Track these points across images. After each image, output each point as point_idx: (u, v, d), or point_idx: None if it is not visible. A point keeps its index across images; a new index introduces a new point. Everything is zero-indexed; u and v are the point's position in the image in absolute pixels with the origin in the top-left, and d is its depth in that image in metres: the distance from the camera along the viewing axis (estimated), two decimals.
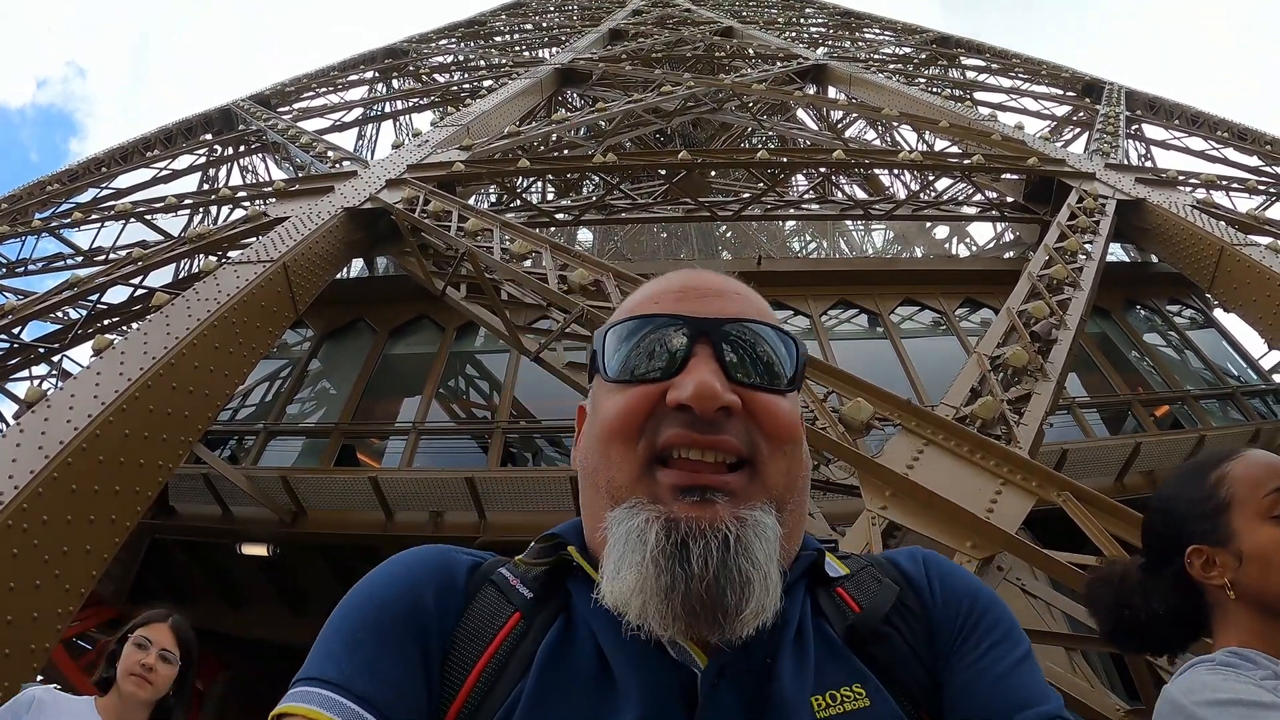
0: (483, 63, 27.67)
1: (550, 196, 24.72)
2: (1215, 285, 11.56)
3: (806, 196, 18.51)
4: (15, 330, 12.10)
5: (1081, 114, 22.56)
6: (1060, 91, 24.24)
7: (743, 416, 1.03)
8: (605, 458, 1.07)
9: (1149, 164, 20.03)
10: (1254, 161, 18.75)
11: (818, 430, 6.90)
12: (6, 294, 17.41)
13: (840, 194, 19.24)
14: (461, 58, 29.24)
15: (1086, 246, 11.27)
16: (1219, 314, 15.99)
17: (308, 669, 1.02)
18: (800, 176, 23.20)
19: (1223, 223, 12.16)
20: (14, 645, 5.82)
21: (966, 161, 14.97)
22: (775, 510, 1.02)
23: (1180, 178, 14.67)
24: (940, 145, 20.83)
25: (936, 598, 1.15)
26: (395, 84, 27.21)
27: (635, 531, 0.99)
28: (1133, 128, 20.75)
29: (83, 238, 17.78)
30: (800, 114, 29.39)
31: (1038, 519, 6.54)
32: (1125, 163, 16.31)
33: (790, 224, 28.09)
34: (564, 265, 9.64)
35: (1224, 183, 15.77)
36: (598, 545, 1.07)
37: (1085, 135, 20.38)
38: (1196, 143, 20.28)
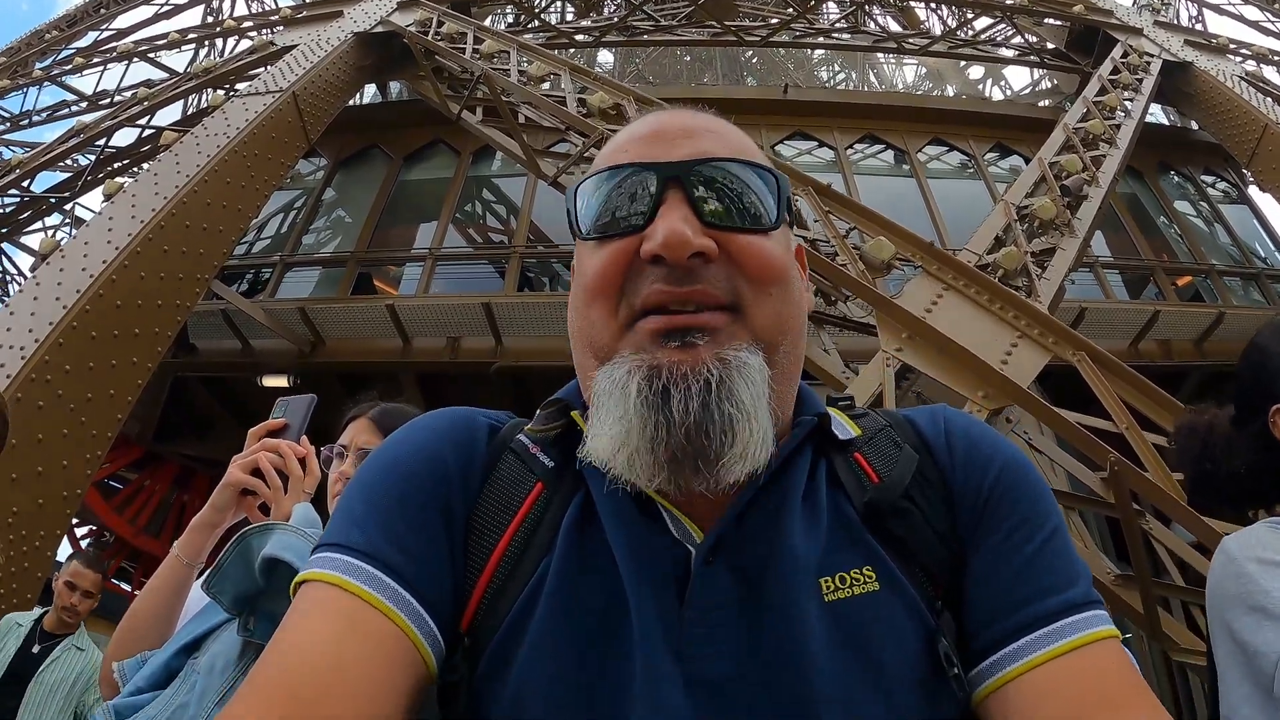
0: None
1: (569, 17, 23.84)
2: (1254, 162, 11.35)
3: (837, 25, 17.77)
4: (25, 183, 12.14)
5: None
6: None
7: (723, 261, 0.96)
8: (588, 319, 1.01)
9: (1199, 27, 19.15)
10: None
11: (837, 266, 6.88)
12: (12, 148, 17.29)
13: (873, 25, 18.55)
14: None
15: (1126, 104, 10.94)
16: (1254, 191, 15.54)
17: (329, 535, 0.99)
18: (832, 3, 22.27)
19: (1270, 99, 11.81)
20: (47, 495, 6.02)
21: (1009, 0, 14.34)
22: (763, 353, 0.95)
23: (1231, 45, 14.12)
24: None
25: (957, 466, 1.07)
26: None
27: (618, 383, 0.94)
28: None
29: (86, 83, 17.70)
30: None
31: (1050, 374, 6.55)
32: (1175, 22, 15.63)
33: (819, 53, 27.23)
34: (583, 88, 9.48)
35: (1276, 57, 15.04)
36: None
37: None
38: (1252, 11, 19.34)
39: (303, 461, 2.11)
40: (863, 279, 6.71)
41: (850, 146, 14.00)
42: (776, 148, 13.44)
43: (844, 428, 1.09)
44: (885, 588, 0.96)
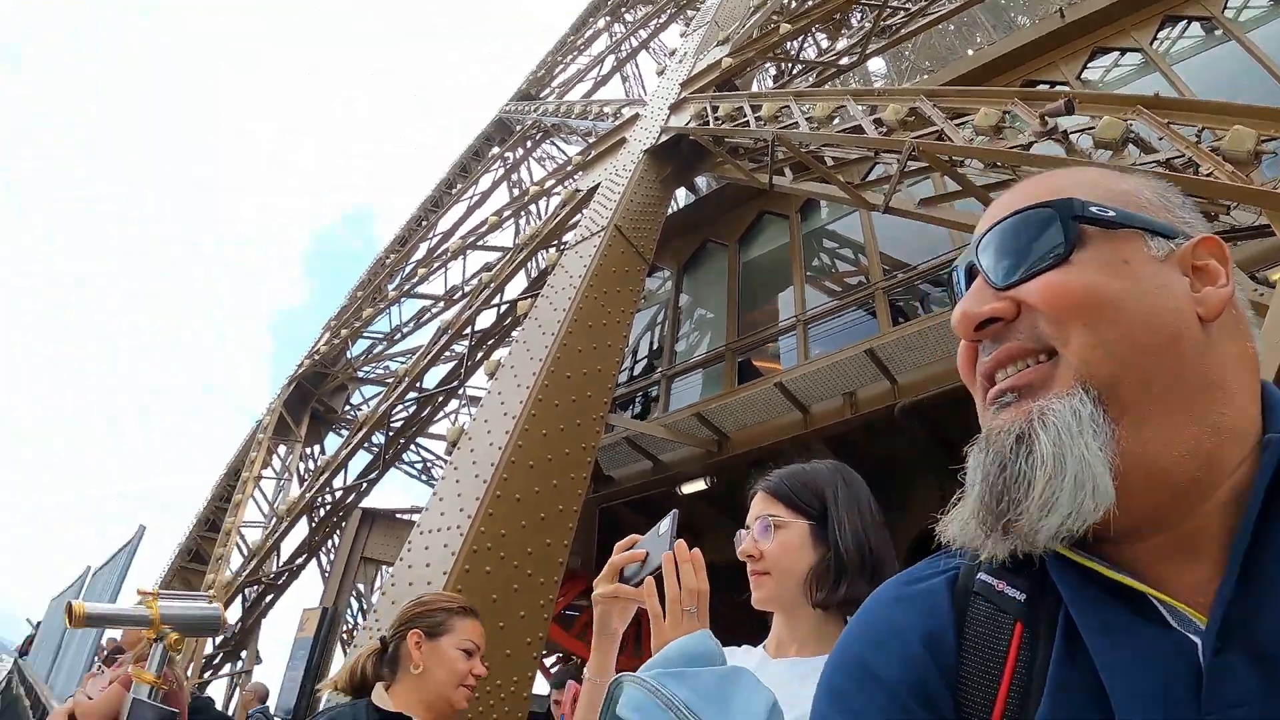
0: None
1: (824, 44, 23.78)
2: None
3: None
4: (417, 385, 14.01)
5: None
6: None
7: (1026, 313, 0.94)
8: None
9: None
10: None
11: (1202, 178, 6.15)
12: (397, 360, 20.82)
13: None
14: None
15: None
16: None
17: None
18: None
19: None
20: (513, 645, 6.68)
21: None
22: (1096, 390, 0.87)
23: None
24: None
25: None
26: (628, 16, 26.69)
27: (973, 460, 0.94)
28: None
29: (434, 286, 20.27)
30: None
31: None
32: None
33: None
34: (873, 108, 9.30)
35: None
36: None
37: None
38: None
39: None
40: (1236, 180, 5.93)
41: (1154, 39, 12.26)
42: (1081, 76, 12.19)
43: None
44: None
